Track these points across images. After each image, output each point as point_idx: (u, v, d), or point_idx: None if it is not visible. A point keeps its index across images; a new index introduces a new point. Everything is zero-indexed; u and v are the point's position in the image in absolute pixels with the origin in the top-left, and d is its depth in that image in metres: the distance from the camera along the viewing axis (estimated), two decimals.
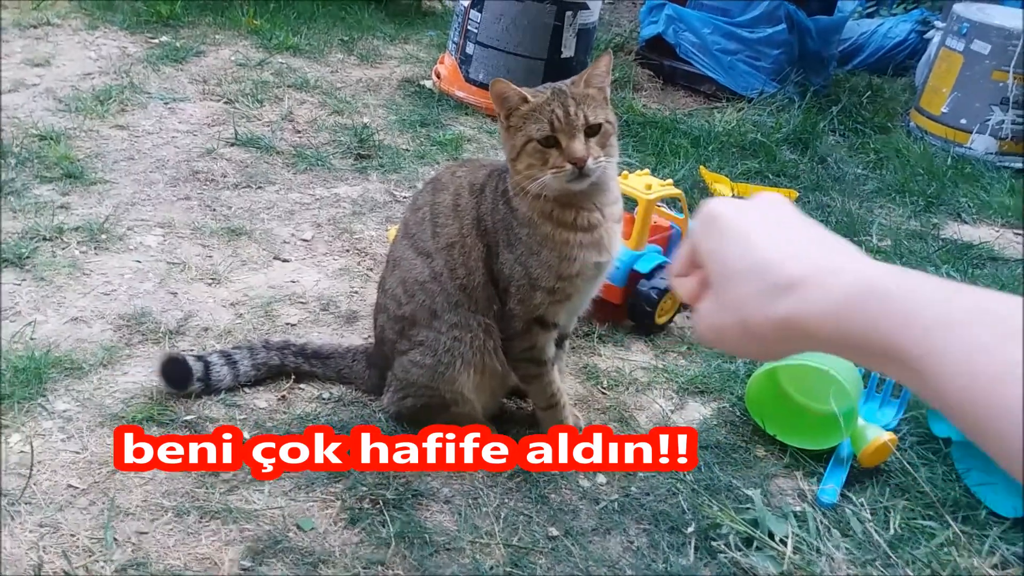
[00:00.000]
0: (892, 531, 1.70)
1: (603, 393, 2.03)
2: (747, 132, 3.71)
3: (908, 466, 1.87)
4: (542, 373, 1.74)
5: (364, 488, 1.62)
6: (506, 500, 1.67)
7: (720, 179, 3.23)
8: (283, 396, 1.85)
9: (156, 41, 3.65)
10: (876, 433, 1.86)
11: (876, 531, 1.69)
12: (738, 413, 2.01)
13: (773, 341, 0.59)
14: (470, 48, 3.54)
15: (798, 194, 3.25)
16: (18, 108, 2.90)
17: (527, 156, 1.54)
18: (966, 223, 3.38)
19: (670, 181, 2.36)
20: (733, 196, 3.12)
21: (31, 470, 1.55)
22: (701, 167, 3.29)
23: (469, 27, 3.53)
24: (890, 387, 2.10)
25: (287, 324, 2.09)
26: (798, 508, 1.73)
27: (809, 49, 4.24)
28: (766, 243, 0.61)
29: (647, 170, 2.40)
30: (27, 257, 2.13)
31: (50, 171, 2.53)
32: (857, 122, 4.11)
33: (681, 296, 0.69)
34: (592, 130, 1.54)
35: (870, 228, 3.09)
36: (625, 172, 2.35)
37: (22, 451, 1.59)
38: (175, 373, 1.75)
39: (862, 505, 1.76)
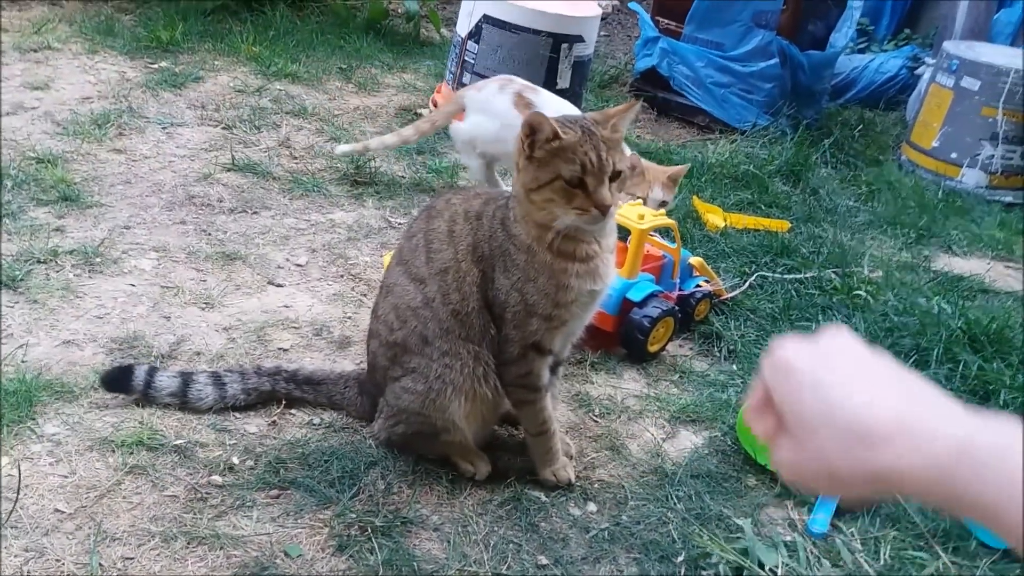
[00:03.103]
0: (882, 562, 1.70)
1: (595, 421, 2.03)
2: (740, 163, 3.74)
3: (898, 496, 1.86)
4: (536, 399, 1.74)
5: (353, 515, 1.61)
6: (495, 528, 1.66)
7: (713, 209, 3.26)
8: (273, 421, 1.85)
9: (155, 66, 3.69)
10: None
11: (866, 562, 1.69)
12: (729, 442, 2.01)
13: (862, 489, 0.61)
14: (467, 78, 3.57)
15: (790, 225, 3.27)
16: (16, 131, 2.92)
17: (551, 191, 1.54)
18: (957, 255, 3.41)
19: (662, 211, 2.38)
20: (726, 226, 3.15)
21: (17, 494, 1.54)
22: (694, 197, 3.31)
23: (466, 57, 3.57)
24: None
25: (280, 349, 2.09)
26: (788, 538, 1.73)
27: (801, 83, 4.29)
28: (843, 391, 0.62)
29: (640, 200, 2.42)
30: (21, 279, 2.13)
31: (46, 194, 2.54)
32: (849, 155, 4.16)
33: (759, 436, 0.69)
34: (615, 175, 1.56)
35: (861, 259, 3.11)
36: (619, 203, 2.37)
37: (9, 474, 1.58)
38: (116, 379, 1.79)
39: (852, 535, 1.76)
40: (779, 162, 3.78)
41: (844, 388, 0.62)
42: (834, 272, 2.88)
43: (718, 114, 4.26)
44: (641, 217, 2.29)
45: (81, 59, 3.64)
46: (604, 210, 1.54)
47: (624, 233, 2.36)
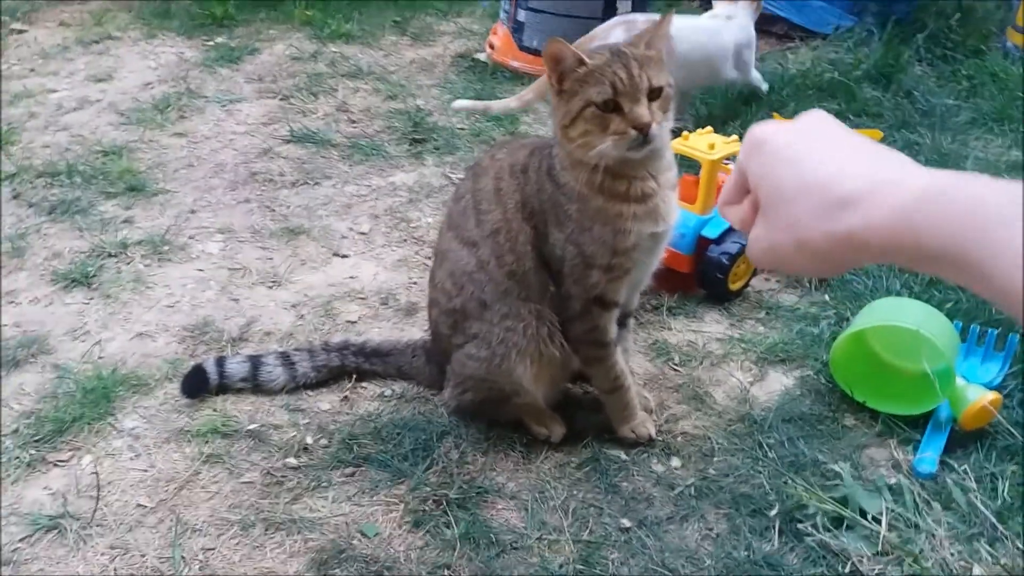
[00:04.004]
0: (1000, 500, 1.56)
1: (675, 370, 1.93)
2: (823, 72, 3.47)
3: (1016, 427, 1.70)
4: (605, 355, 1.66)
5: (427, 488, 1.58)
6: (575, 492, 1.60)
7: None
8: (345, 397, 1.83)
9: (212, 43, 3.68)
10: (978, 393, 1.71)
11: (982, 501, 1.55)
12: (823, 381, 1.88)
13: (830, 257, 0.60)
14: (522, 15, 3.42)
15: (883, 134, 3.02)
16: (83, 125, 2.97)
17: (584, 122, 1.44)
18: None
19: (735, 137, 2.21)
20: None
21: (98, 492, 1.57)
22: (775, 114, 3.09)
23: None
24: (992, 340, 1.92)
25: (347, 322, 2.07)
26: (893, 481, 1.60)
27: None
28: (816, 161, 0.61)
29: (709, 128, 2.25)
30: (94, 276, 2.17)
31: (114, 186, 2.58)
32: (946, 48, 3.79)
33: (734, 224, 0.69)
34: (654, 93, 1.44)
35: (964, 164, 2.85)
36: (686, 132, 2.22)
37: (93, 472, 1.61)
38: (193, 383, 1.79)
39: (965, 473, 1.62)
40: (866, 66, 3.49)
41: (818, 158, 0.61)
42: None
43: (797, 20, 3.95)
44: (711, 147, 2.13)
45: (141, 45, 3.66)
46: (643, 128, 1.41)
47: (696, 166, 2.22)
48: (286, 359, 1.82)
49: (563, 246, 1.56)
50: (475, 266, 1.61)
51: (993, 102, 3.31)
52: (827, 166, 0.60)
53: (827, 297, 2.18)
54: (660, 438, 1.72)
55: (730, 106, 3.16)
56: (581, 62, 1.43)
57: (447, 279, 1.66)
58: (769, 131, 0.66)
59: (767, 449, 1.68)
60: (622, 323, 1.72)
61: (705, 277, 2.14)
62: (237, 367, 1.81)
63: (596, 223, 1.52)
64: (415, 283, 2.21)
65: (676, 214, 1.61)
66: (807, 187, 0.60)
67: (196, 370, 1.81)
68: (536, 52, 3.41)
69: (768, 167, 0.64)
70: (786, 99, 3.27)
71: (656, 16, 2.65)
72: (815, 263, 0.61)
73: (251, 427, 1.73)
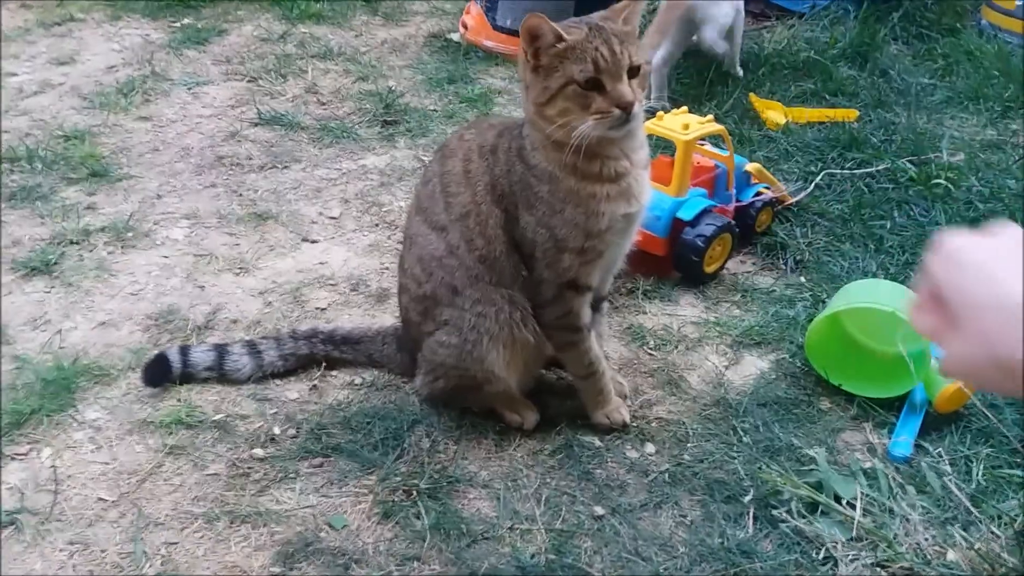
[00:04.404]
0: (974, 483, 1.55)
1: (650, 354, 1.91)
2: (799, 51, 3.44)
3: (990, 409, 1.69)
4: (579, 340, 1.63)
5: (397, 479, 1.55)
6: (547, 480, 1.58)
7: (772, 105, 3.02)
8: (314, 385, 1.79)
9: (178, 24, 3.59)
10: None
11: (956, 485, 1.54)
12: (799, 364, 1.86)
13: None
14: None
15: (858, 113, 3.00)
16: (44, 109, 2.88)
17: (564, 100, 1.40)
18: None
19: (710, 117, 2.18)
20: (787, 122, 2.91)
21: (56, 486, 1.52)
22: (751, 94, 3.07)
23: None
24: None
25: (317, 309, 2.02)
26: (868, 465, 1.59)
27: None
28: (1013, 279, 0.62)
29: (684, 108, 2.22)
30: (55, 263, 2.11)
31: (76, 172, 2.51)
32: (922, 27, 3.77)
33: (922, 332, 0.69)
34: (633, 71, 1.41)
35: (940, 143, 2.83)
36: (660, 112, 2.19)
37: (52, 466, 1.57)
38: (154, 371, 1.74)
39: (939, 456, 1.61)
40: (842, 44, 3.47)
41: (1012, 272, 0.62)
42: (909, 161, 2.63)
43: None
44: (686, 127, 2.10)
45: (105, 27, 3.57)
46: (627, 107, 1.38)
47: (666, 147, 2.19)
48: (252, 348, 1.78)
49: (534, 229, 1.52)
50: (444, 251, 1.57)
51: (968, 81, 3.30)
52: (1021, 280, 0.61)
53: (803, 279, 2.16)
54: (634, 424, 1.69)
55: (705, 85, 3.12)
56: (560, 38, 1.39)
57: (416, 265, 1.62)
58: (960, 240, 0.66)
59: (742, 434, 1.67)
60: (596, 307, 1.69)
61: (681, 260, 2.12)
62: (202, 356, 1.76)
63: (568, 205, 1.49)
64: (386, 268, 2.17)
65: (649, 194, 1.58)
66: (1003, 304, 0.61)
67: (159, 358, 1.76)
68: (510, 32, 3.36)
69: (961, 281, 0.65)
70: (762, 79, 3.25)
71: None
72: (1013, 382, 0.61)
73: (216, 417, 1.69)
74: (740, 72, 3.21)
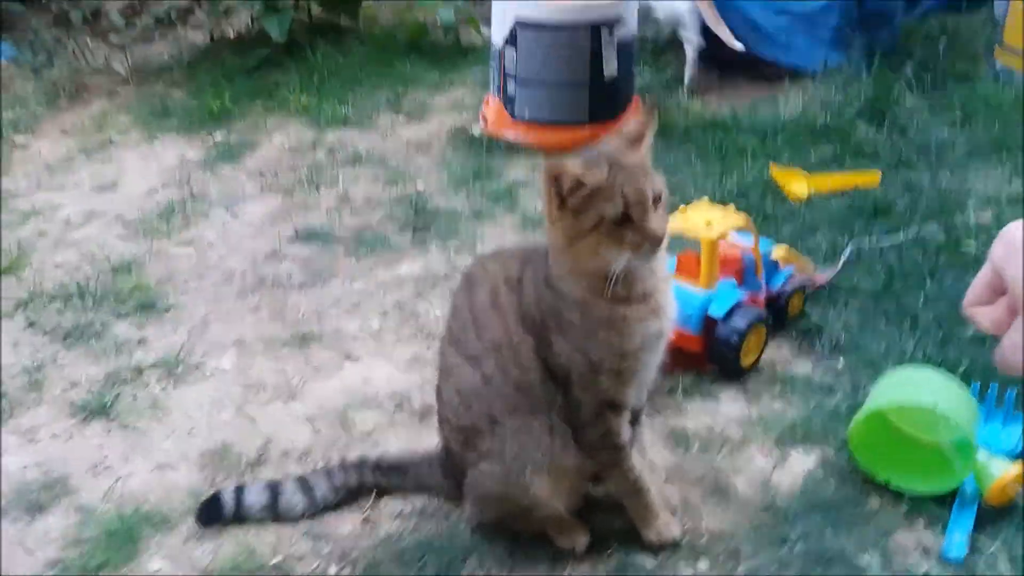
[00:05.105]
0: None
1: (695, 459, 1.92)
2: (816, 115, 3.49)
3: None
4: (621, 459, 1.65)
5: None
6: None
7: (793, 175, 3.05)
8: (366, 517, 1.83)
9: (212, 141, 3.73)
10: (1002, 467, 1.69)
11: None
12: (844, 461, 1.86)
13: None
14: (511, 87, 3.47)
15: (880, 175, 3.02)
16: (91, 240, 3.01)
17: (596, 237, 1.45)
18: None
19: (731, 206, 2.21)
20: (810, 193, 2.94)
21: None
22: (772, 165, 3.11)
23: (507, 67, 3.45)
24: (1012, 401, 1.90)
25: (363, 432, 2.07)
26: (924, 569, 1.58)
27: (868, 7, 3.96)
28: None
29: (705, 198, 2.26)
30: (111, 406, 2.19)
31: (125, 305, 2.61)
32: (936, 74, 3.80)
33: (984, 327, 0.66)
34: (657, 199, 1.47)
35: (966, 200, 2.84)
36: (683, 207, 2.23)
37: None
38: (208, 512, 1.81)
39: (995, 555, 1.60)
40: (858, 103, 3.51)
41: None
42: (936, 225, 2.64)
43: (784, 60, 3.98)
44: (709, 223, 2.14)
45: (142, 148, 3.73)
46: (658, 241, 1.45)
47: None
48: (304, 484, 1.83)
49: (569, 355, 1.56)
50: (480, 382, 1.62)
51: (988, 131, 3.31)
52: None
53: (840, 364, 2.17)
54: (685, 538, 1.71)
55: (722, 160, 3.17)
56: (583, 181, 1.44)
57: (454, 396, 1.67)
58: None
59: (793, 543, 1.67)
60: (635, 420, 1.72)
61: (716, 355, 2.14)
62: (256, 497, 1.81)
63: (601, 328, 1.53)
64: (428, 382, 2.19)
65: (675, 306, 1.62)
66: None
67: (213, 499, 1.82)
68: (530, 122, 3.45)
69: None
70: (781, 147, 3.29)
71: None
72: None
73: (275, 560, 1.73)
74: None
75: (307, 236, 2.92)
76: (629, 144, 1.51)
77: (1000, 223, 2.66)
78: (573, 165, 1.44)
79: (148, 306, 2.60)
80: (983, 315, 0.66)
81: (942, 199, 2.83)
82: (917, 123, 3.41)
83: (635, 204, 1.43)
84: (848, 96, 3.58)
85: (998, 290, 0.65)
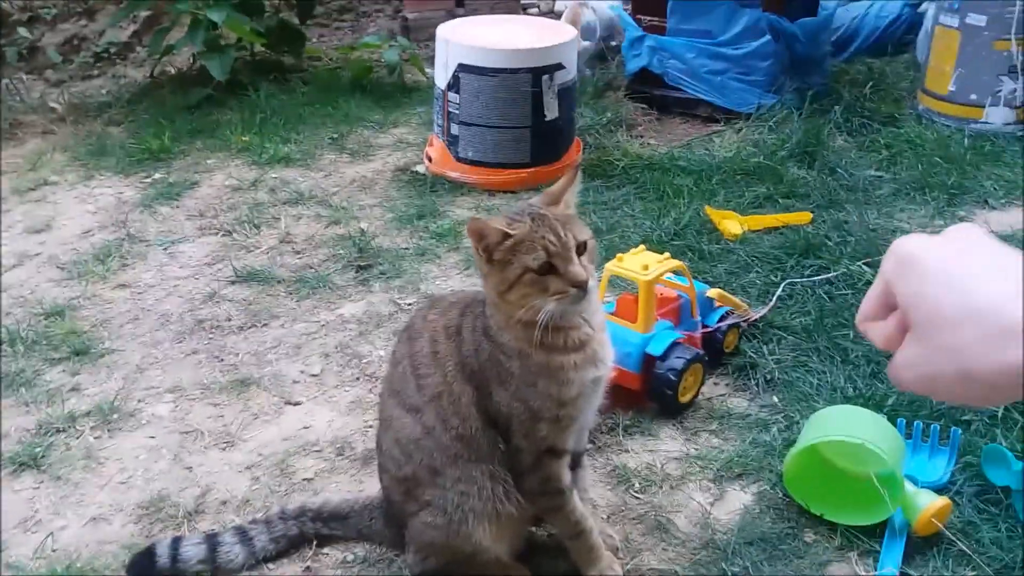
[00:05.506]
0: None
1: (636, 498, 1.95)
2: (749, 155, 3.60)
3: (969, 527, 1.74)
4: (562, 503, 1.67)
5: None
6: None
7: (728, 215, 3.14)
8: (307, 567, 1.81)
9: (150, 180, 3.68)
10: (927, 500, 1.75)
11: None
12: (780, 495, 1.91)
13: (1000, 388, 0.57)
14: (455, 129, 3.51)
15: (812, 215, 3.13)
16: (23, 284, 2.94)
17: (523, 287, 1.49)
18: (995, 209, 3.22)
19: (666, 255, 2.27)
20: (744, 231, 3.02)
21: None
22: (707, 206, 3.19)
23: (450, 109, 3.50)
24: (936, 434, 1.98)
25: (304, 480, 2.05)
26: None
27: (799, 54, 4.11)
28: (978, 283, 0.58)
29: (642, 246, 2.32)
30: (43, 456, 2.13)
31: (58, 351, 2.55)
32: (863, 116, 3.96)
33: (876, 342, 0.66)
34: (581, 248, 1.51)
35: (893, 239, 2.95)
36: (620, 254, 2.28)
37: None
38: (140, 567, 1.76)
39: None
40: (790, 145, 3.63)
41: (979, 279, 0.58)
42: (865, 264, 2.74)
43: (719, 102, 4.10)
44: (645, 267, 2.19)
45: (78, 189, 3.66)
46: (582, 285, 1.48)
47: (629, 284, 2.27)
48: (243, 535, 1.80)
49: (509, 403, 1.58)
50: (421, 432, 1.62)
51: (912, 171, 3.45)
52: (991, 289, 0.58)
53: (776, 399, 2.23)
54: None
55: (665, 198, 3.24)
56: (506, 235, 1.48)
57: (394, 447, 1.67)
58: (918, 247, 0.63)
59: None
60: (575, 463, 1.74)
61: (655, 394, 2.18)
62: (193, 550, 1.78)
63: (540, 378, 1.56)
64: (370, 427, 2.21)
65: (611, 354, 1.66)
66: (973, 313, 0.58)
67: (146, 552, 1.78)
68: (473, 163, 3.49)
69: (921, 287, 0.61)
70: (716, 187, 3.38)
71: None
72: (981, 393, 0.59)
73: None
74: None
75: (247, 277, 2.90)
76: (552, 199, 1.57)
77: None
78: (496, 221, 1.50)
79: (82, 352, 2.54)
80: (875, 331, 0.66)
81: (870, 237, 2.93)
82: (846, 163, 3.54)
83: (557, 254, 1.47)
84: (780, 138, 3.70)
85: (890, 305, 0.65)
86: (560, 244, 1.47)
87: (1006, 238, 2.88)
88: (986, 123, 3.81)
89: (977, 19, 3.73)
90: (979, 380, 0.57)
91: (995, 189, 3.30)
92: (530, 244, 1.47)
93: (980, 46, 3.76)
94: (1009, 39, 3.68)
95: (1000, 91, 3.77)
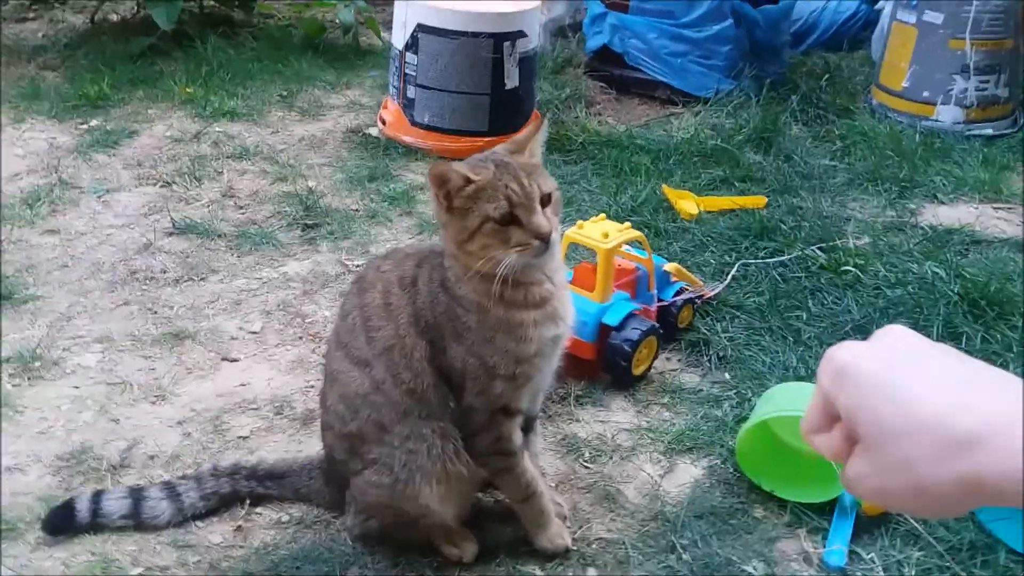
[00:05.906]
0: None
1: (586, 467, 1.90)
2: (707, 138, 3.58)
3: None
4: (513, 464, 1.61)
5: None
6: None
7: (684, 195, 3.11)
8: (239, 526, 1.71)
9: (86, 127, 3.50)
10: None
11: None
12: (731, 469, 1.88)
13: (954, 499, 0.57)
14: (411, 92, 3.40)
15: (767, 199, 3.12)
16: None
17: (484, 237, 1.42)
18: (943, 203, 3.26)
19: (627, 224, 2.23)
20: (700, 212, 3.00)
21: None
22: (664, 185, 3.16)
23: (407, 71, 3.39)
24: None
25: (239, 438, 1.95)
26: (805, 574, 1.61)
27: (760, 40, 4.11)
28: (917, 393, 0.58)
29: (603, 215, 2.27)
30: None
31: None
32: (819, 107, 3.98)
33: (824, 454, 0.64)
34: (545, 200, 1.44)
35: (845, 226, 2.97)
36: (580, 221, 2.22)
37: None
38: (58, 521, 1.66)
39: (873, 561, 1.64)
40: (747, 130, 3.62)
41: (917, 389, 0.58)
42: (818, 248, 2.74)
43: (678, 84, 4.07)
44: (605, 235, 2.14)
45: (7, 131, 3.45)
46: (545, 237, 1.42)
47: (588, 253, 2.22)
48: (171, 490, 1.70)
49: (464, 359, 1.51)
50: (369, 387, 1.54)
51: (865, 162, 3.48)
52: (931, 399, 0.57)
53: (728, 376, 2.20)
54: (575, 547, 1.67)
55: (619, 176, 3.20)
56: (468, 180, 1.41)
57: (339, 402, 1.58)
58: (850, 357, 0.62)
59: (681, 551, 1.66)
60: (528, 427, 1.68)
61: (609, 364, 2.13)
62: (116, 504, 1.67)
63: (498, 333, 1.49)
64: (311, 387, 2.12)
65: (572, 313, 1.60)
66: (917, 425, 0.57)
67: (65, 505, 1.67)
68: (429, 128, 3.40)
69: (862, 400, 0.60)
70: (673, 167, 3.35)
71: None
72: (935, 505, 0.58)
73: (135, 572, 1.59)
74: None
75: (185, 229, 2.76)
76: (517, 147, 1.50)
77: (876, 248, 2.80)
78: (458, 166, 1.43)
79: (5, 296, 2.38)
80: (822, 443, 0.64)
81: (824, 224, 2.93)
82: (801, 151, 3.55)
83: (520, 203, 1.41)
84: (738, 123, 3.69)
85: (832, 416, 0.63)
86: (524, 193, 1.41)
87: (953, 232, 2.93)
88: (936, 121, 3.86)
89: (934, 16, 3.77)
90: (931, 493, 0.57)
91: (944, 184, 3.33)
92: (492, 192, 1.40)
93: (935, 44, 3.80)
94: (963, 38, 3.73)
95: (952, 90, 3.82)
